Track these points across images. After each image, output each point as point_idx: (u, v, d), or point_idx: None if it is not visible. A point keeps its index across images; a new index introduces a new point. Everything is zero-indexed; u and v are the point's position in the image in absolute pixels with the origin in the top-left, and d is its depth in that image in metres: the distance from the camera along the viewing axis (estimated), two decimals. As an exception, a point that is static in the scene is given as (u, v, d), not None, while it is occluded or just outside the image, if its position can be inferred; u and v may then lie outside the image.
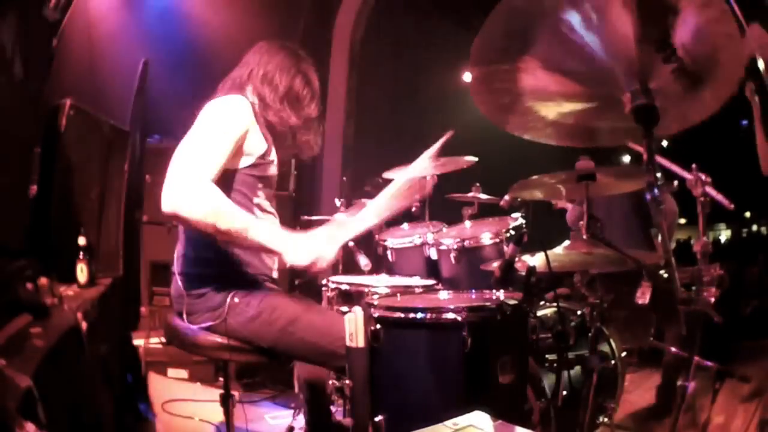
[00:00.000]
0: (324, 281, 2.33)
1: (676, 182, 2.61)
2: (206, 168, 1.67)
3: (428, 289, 2.15)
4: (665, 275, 2.21)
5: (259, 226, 1.73)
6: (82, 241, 2.13)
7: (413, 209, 3.05)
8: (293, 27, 4.88)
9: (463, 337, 1.56)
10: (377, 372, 1.64)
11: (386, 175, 2.86)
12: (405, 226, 2.89)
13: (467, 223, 2.72)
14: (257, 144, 1.86)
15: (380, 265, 2.75)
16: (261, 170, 1.89)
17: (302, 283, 3.56)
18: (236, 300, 1.80)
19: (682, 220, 3.41)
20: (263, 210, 1.92)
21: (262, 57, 1.99)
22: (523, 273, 1.62)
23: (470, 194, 3.02)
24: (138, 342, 3.34)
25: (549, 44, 1.06)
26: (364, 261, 2.54)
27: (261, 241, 1.71)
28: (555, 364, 1.99)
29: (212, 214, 1.63)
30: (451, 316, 1.60)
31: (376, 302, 1.73)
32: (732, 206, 2.46)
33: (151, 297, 3.68)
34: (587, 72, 1.10)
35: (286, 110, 1.93)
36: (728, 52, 1.00)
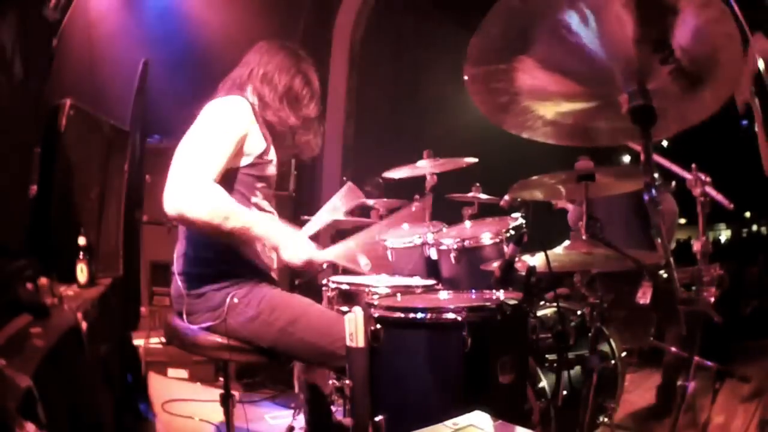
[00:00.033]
0: (324, 281, 2.33)
1: (674, 183, 2.61)
2: (209, 169, 1.68)
3: (428, 289, 2.15)
4: (665, 275, 2.22)
5: (261, 223, 1.76)
6: (82, 241, 2.13)
7: (413, 209, 3.05)
8: (293, 27, 4.88)
9: (463, 337, 1.56)
10: (377, 372, 1.64)
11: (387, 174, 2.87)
12: (405, 226, 2.88)
13: (467, 223, 2.71)
14: (256, 144, 1.86)
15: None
16: (259, 170, 1.89)
17: (302, 283, 3.56)
18: (236, 300, 1.80)
19: (682, 220, 3.41)
20: (262, 209, 1.92)
21: (262, 57, 1.99)
22: (523, 273, 1.62)
23: (470, 194, 3.02)
24: (138, 342, 3.34)
25: (547, 44, 1.06)
26: (364, 261, 2.54)
27: (263, 237, 1.76)
28: (555, 364, 1.99)
29: (218, 215, 1.65)
30: (451, 316, 1.60)
31: (376, 302, 1.73)
32: (732, 206, 2.46)
33: (151, 297, 3.68)
34: (585, 72, 1.10)
35: (285, 110, 1.93)
36: (728, 52, 1.00)
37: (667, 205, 3.08)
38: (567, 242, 1.86)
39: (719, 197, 2.39)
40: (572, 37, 1.02)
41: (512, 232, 2.40)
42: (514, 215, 2.60)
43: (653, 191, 1.00)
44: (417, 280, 2.38)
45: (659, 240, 1.08)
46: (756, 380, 2.75)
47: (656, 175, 1.01)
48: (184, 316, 1.86)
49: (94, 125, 2.45)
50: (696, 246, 2.30)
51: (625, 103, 1.06)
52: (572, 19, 1.00)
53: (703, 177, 2.32)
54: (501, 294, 1.85)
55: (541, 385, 1.94)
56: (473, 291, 2.00)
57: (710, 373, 2.37)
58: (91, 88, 3.14)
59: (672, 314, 2.77)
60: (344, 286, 2.21)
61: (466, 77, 1.15)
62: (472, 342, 1.56)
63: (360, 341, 1.62)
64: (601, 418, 2.12)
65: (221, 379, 2.05)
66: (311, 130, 2.06)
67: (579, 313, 2.21)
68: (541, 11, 1.03)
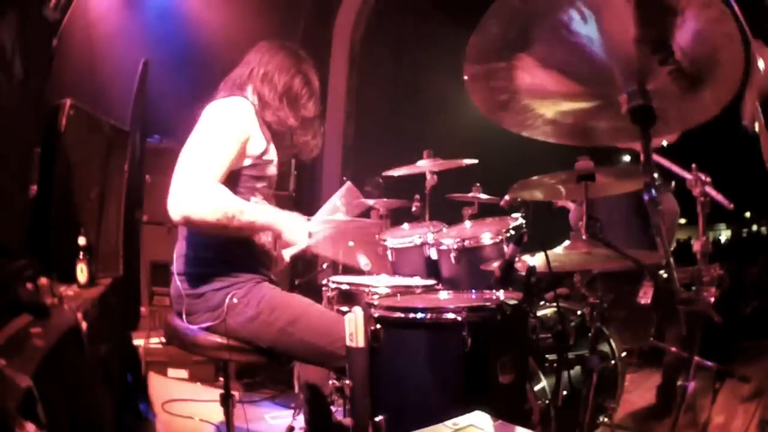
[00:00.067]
0: (324, 281, 2.33)
1: (674, 183, 2.61)
2: (212, 173, 1.69)
3: (428, 289, 2.15)
4: (665, 275, 2.21)
5: (263, 213, 1.80)
6: (82, 241, 2.14)
7: (413, 209, 3.06)
8: (293, 27, 4.88)
9: (463, 337, 1.56)
10: (377, 372, 1.64)
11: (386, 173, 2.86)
12: (405, 226, 2.89)
13: (467, 223, 2.71)
14: (258, 144, 1.87)
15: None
16: (259, 170, 1.89)
17: (302, 283, 3.56)
18: (235, 300, 1.81)
19: (682, 220, 3.41)
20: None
21: (263, 57, 1.99)
22: (523, 273, 1.62)
23: (470, 194, 3.02)
24: (138, 342, 3.34)
25: (547, 43, 1.06)
26: (364, 261, 2.54)
27: (266, 226, 1.81)
28: (555, 364, 1.99)
29: (224, 216, 1.68)
30: (451, 316, 1.60)
31: (376, 302, 1.73)
32: (732, 206, 2.46)
33: (151, 297, 3.68)
34: (585, 72, 1.10)
35: (285, 110, 1.94)
36: (728, 52, 1.00)
37: (668, 205, 3.07)
38: (567, 242, 1.86)
39: (719, 197, 2.39)
40: (572, 37, 1.02)
41: (512, 232, 2.40)
42: (514, 215, 2.60)
43: (653, 191, 1.00)
44: (417, 280, 2.38)
45: (658, 239, 1.08)
46: (756, 380, 2.74)
47: (656, 175, 1.01)
48: (184, 317, 1.86)
49: (94, 125, 2.45)
50: (696, 246, 2.30)
51: (624, 103, 1.06)
52: (572, 18, 1.00)
53: (703, 177, 2.32)
54: (501, 294, 1.85)
55: (541, 385, 1.94)
56: (473, 291, 2.00)
57: (710, 373, 2.37)
58: (91, 88, 3.14)
59: (672, 314, 2.77)
60: (344, 286, 2.21)
61: (465, 75, 1.15)
62: (472, 342, 1.56)
63: (360, 341, 1.62)
64: (601, 418, 2.12)
65: (221, 379, 2.05)
66: (310, 131, 2.07)
67: (579, 313, 2.20)
68: (541, 10, 1.03)
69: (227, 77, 2.02)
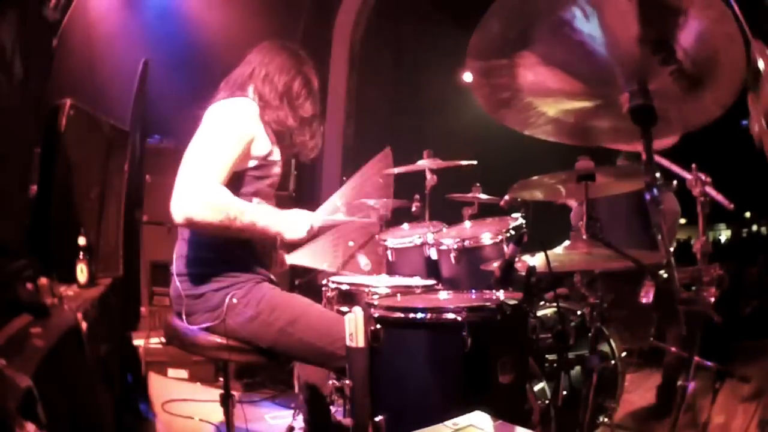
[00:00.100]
0: (324, 281, 2.33)
1: (675, 182, 2.61)
2: (214, 174, 1.69)
3: (428, 289, 2.15)
4: (665, 275, 2.21)
5: (263, 214, 1.81)
6: (82, 241, 2.13)
7: (413, 209, 3.05)
8: (293, 27, 4.88)
9: (463, 337, 1.56)
10: (377, 372, 1.64)
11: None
12: (405, 226, 2.89)
13: (467, 223, 2.71)
14: (263, 145, 1.87)
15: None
16: (265, 171, 1.90)
17: (302, 283, 3.56)
18: (235, 300, 1.81)
19: (682, 220, 3.40)
20: (264, 210, 1.93)
21: (264, 57, 2.00)
22: (523, 273, 1.62)
23: (470, 194, 3.02)
24: (138, 342, 3.34)
25: (548, 40, 1.06)
26: (364, 261, 2.54)
27: (267, 227, 1.80)
28: (555, 364, 1.99)
29: (226, 217, 1.69)
30: (451, 316, 1.60)
31: (376, 302, 1.73)
32: (732, 206, 2.46)
33: (151, 297, 3.68)
34: (587, 70, 1.10)
35: (285, 109, 1.94)
36: (729, 54, 1.00)
37: (669, 205, 3.07)
38: (567, 242, 1.86)
39: (719, 197, 2.39)
40: (574, 35, 1.02)
41: (512, 232, 2.40)
42: (514, 215, 2.60)
43: (655, 191, 1.00)
44: (417, 280, 2.38)
45: (659, 239, 1.08)
46: (756, 380, 2.74)
47: (658, 175, 1.01)
48: (184, 317, 1.86)
49: (94, 125, 2.45)
50: (696, 246, 2.29)
51: (625, 102, 1.06)
52: (575, 15, 1.00)
53: (703, 177, 2.32)
54: (501, 294, 1.85)
55: (541, 385, 1.94)
56: (473, 291, 1.99)
57: (710, 373, 2.37)
58: (91, 88, 3.14)
59: (672, 314, 2.76)
60: (344, 286, 2.21)
61: (468, 72, 1.15)
62: (472, 342, 1.55)
63: (360, 341, 1.62)
64: (601, 418, 2.12)
65: (221, 379, 2.05)
66: (308, 131, 2.07)
67: (579, 313, 2.20)
68: (544, 7, 1.03)
69: (228, 77, 2.02)
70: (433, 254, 2.56)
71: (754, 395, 2.72)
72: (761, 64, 1.37)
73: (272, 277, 1.99)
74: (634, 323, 2.92)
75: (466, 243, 2.44)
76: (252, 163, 1.86)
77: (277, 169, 1.96)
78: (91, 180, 2.45)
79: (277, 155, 1.95)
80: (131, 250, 3.00)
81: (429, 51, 6.02)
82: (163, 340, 3.13)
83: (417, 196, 3.06)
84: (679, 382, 2.09)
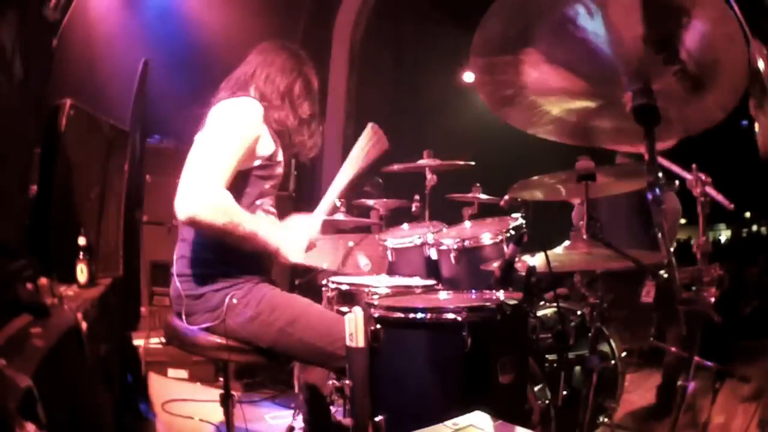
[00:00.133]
0: (324, 281, 2.33)
1: (677, 182, 2.61)
2: (220, 174, 1.69)
3: (428, 289, 2.15)
4: (665, 275, 2.21)
5: (264, 228, 1.79)
6: (82, 241, 2.13)
7: (413, 209, 3.06)
8: (293, 27, 4.89)
9: (463, 337, 1.56)
10: (377, 372, 1.64)
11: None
12: (405, 226, 2.89)
13: (467, 223, 2.71)
14: (267, 145, 1.87)
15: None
16: (269, 171, 1.90)
17: (302, 283, 3.56)
18: (235, 301, 1.81)
19: (683, 220, 3.41)
20: (266, 211, 1.93)
21: (265, 57, 2.00)
22: (523, 273, 1.62)
23: (470, 194, 3.02)
24: (138, 342, 3.34)
25: (552, 38, 1.06)
26: (364, 261, 2.54)
27: (266, 242, 1.80)
28: (555, 364, 1.99)
29: (231, 222, 1.68)
30: (451, 316, 1.60)
31: (376, 302, 1.73)
32: (732, 206, 2.46)
33: (151, 297, 3.68)
34: (591, 68, 1.10)
35: (286, 110, 1.94)
36: (731, 55, 1.00)
37: (670, 204, 3.08)
38: (567, 242, 1.86)
39: (719, 197, 2.39)
40: (578, 32, 1.02)
41: (512, 232, 2.40)
42: (514, 215, 2.60)
43: (657, 190, 1.00)
44: (417, 280, 2.38)
45: (660, 239, 1.08)
46: (756, 380, 2.74)
47: (660, 174, 1.01)
48: (184, 317, 1.86)
49: (94, 125, 2.45)
50: (696, 246, 2.29)
51: (629, 101, 1.06)
52: (578, 13, 1.00)
53: (703, 177, 2.32)
54: (501, 294, 1.85)
55: (541, 385, 1.94)
56: (473, 291, 2.00)
57: (710, 373, 2.37)
58: (91, 88, 3.14)
59: (672, 314, 2.76)
60: (344, 287, 2.21)
61: (471, 68, 1.14)
62: (472, 342, 1.55)
63: (360, 341, 1.62)
64: (601, 418, 2.12)
65: (221, 379, 2.05)
66: (306, 131, 2.07)
67: (579, 313, 2.20)
68: (548, 4, 1.03)
69: (229, 77, 2.02)
70: (433, 254, 2.56)
71: (754, 395, 2.72)
72: (761, 65, 1.37)
73: (272, 277, 1.99)
74: (634, 323, 2.92)
75: (466, 243, 2.44)
76: (257, 163, 1.86)
77: (280, 170, 1.97)
78: (91, 180, 2.45)
79: (280, 155, 1.95)
80: (131, 250, 3.00)
81: (429, 51, 6.02)
82: (163, 340, 3.13)
83: (417, 196, 3.06)
84: (679, 382, 2.09)
